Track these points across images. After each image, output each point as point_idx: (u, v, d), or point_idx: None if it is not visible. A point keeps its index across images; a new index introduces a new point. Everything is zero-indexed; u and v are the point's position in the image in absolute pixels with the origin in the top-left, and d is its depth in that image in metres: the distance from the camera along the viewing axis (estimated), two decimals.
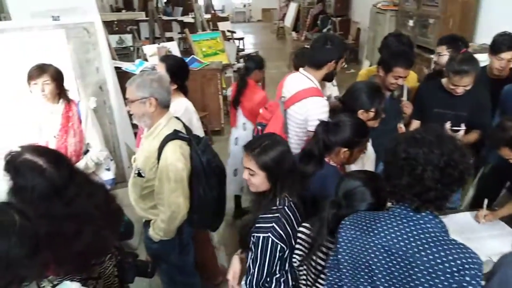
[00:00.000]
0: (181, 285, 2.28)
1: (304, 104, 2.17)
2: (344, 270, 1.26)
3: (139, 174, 1.98)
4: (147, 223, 2.10)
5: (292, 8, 12.66)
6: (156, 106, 1.91)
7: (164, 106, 1.96)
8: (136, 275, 1.78)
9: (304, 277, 1.63)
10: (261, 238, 1.53)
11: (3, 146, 1.87)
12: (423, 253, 1.09)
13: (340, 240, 1.28)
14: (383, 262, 1.16)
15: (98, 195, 1.54)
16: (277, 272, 1.63)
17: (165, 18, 9.43)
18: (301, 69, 2.32)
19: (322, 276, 1.52)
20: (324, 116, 2.11)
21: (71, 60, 2.77)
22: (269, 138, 1.67)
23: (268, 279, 1.61)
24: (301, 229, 1.60)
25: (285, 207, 1.59)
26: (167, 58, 2.67)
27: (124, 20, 7.33)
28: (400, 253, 1.13)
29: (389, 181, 1.19)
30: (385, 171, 1.22)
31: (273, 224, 1.53)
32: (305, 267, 1.61)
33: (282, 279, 1.65)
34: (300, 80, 2.27)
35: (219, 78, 5.24)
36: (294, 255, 1.63)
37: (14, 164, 1.40)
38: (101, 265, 1.60)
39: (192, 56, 5.45)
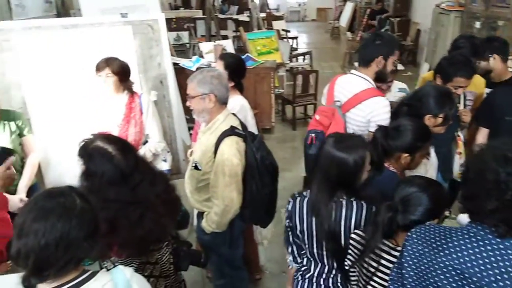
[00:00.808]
0: (229, 277, 2.32)
1: (366, 105, 2.10)
2: (408, 286, 1.17)
3: (196, 167, 2.04)
4: (200, 215, 2.16)
5: (349, 7, 12.38)
6: (215, 102, 1.96)
7: (223, 102, 2.00)
8: (190, 263, 1.84)
9: (356, 278, 1.62)
10: None
11: (75, 133, 2.01)
12: (501, 283, 0.98)
13: (406, 254, 1.19)
14: (454, 285, 1.05)
15: (159, 184, 1.62)
16: (294, 246, 1.84)
17: (221, 16, 9.65)
18: (352, 70, 2.26)
19: (372, 282, 1.50)
20: (388, 116, 2.06)
21: (136, 55, 2.91)
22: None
23: (288, 245, 1.85)
24: (353, 235, 1.58)
25: (304, 199, 1.70)
26: (225, 56, 2.73)
27: (182, 18, 7.58)
28: (475, 279, 1.01)
29: (471, 202, 1.08)
30: (467, 190, 1.10)
31: (291, 200, 1.77)
32: (357, 269, 1.59)
33: (290, 257, 1.86)
34: (355, 81, 2.19)
35: (272, 76, 5.26)
36: (346, 258, 1.61)
37: (87, 150, 1.51)
38: (159, 251, 1.67)
39: (247, 54, 5.52)
